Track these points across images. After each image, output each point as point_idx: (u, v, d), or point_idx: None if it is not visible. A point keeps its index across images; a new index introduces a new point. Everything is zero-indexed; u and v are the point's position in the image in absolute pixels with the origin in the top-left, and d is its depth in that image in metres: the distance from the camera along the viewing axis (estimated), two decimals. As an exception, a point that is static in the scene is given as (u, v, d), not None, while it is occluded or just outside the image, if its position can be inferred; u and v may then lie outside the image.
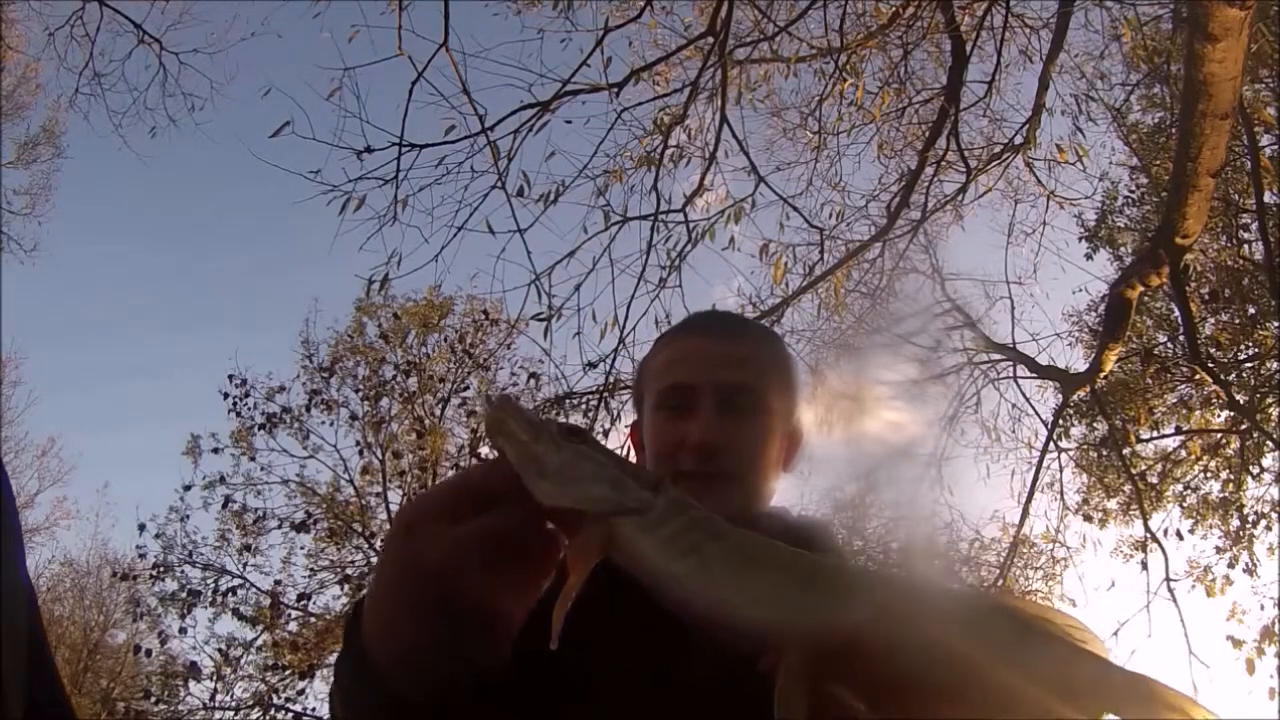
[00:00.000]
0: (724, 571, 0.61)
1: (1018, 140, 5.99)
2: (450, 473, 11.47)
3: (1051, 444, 7.35)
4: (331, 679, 0.76)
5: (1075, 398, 7.42)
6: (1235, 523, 8.50)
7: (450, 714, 0.68)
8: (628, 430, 1.22)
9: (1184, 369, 7.97)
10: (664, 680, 0.86)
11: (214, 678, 10.52)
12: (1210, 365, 7.47)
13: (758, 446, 1.07)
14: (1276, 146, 7.41)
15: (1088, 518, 8.70)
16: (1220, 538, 8.64)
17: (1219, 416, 8.19)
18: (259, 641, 10.87)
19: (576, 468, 0.63)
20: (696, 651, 0.74)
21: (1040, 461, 7.18)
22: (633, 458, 1.12)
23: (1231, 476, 8.33)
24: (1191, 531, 8.59)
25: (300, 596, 11.02)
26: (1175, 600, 6.68)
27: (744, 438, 1.05)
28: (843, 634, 0.57)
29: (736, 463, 1.04)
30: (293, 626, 11.11)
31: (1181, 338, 7.57)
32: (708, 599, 0.60)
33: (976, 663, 0.57)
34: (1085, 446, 8.76)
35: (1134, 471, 7.77)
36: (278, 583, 11.08)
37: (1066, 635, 0.62)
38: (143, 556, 11.00)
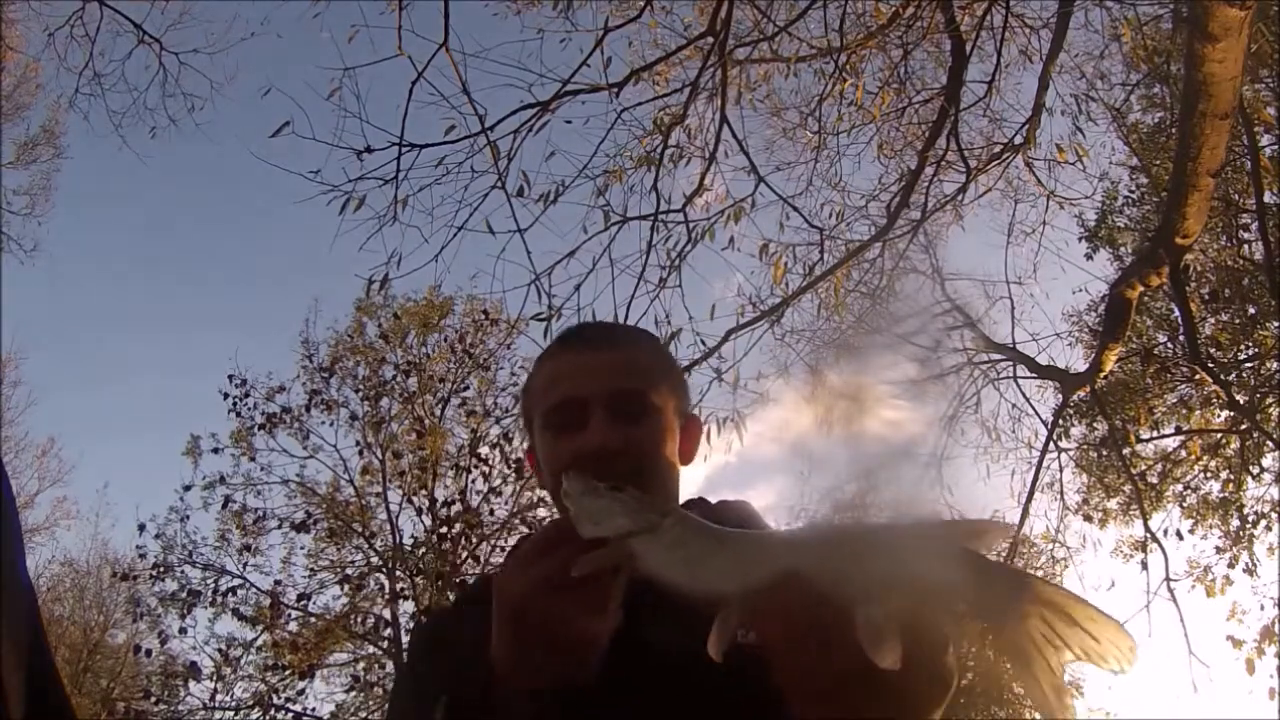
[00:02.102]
0: (699, 558, 0.80)
1: (1018, 140, 5.99)
2: (450, 472, 11.49)
3: (1051, 444, 7.35)
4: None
5: (1075, 398, 7.42)
6: (1235, 523, 8.50)
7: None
8: (525, 456, 1.26)
9: (1184, 369, 7.98)
10: (622, 688, 0.93)
11: (214, 678, 10.53)
12: (1210, 365, 7.47)
13: (656, 446, 1.09)
14: (1276, 146, 7.42)
15: (1088, 518, 8.71)
16: (1220, 538, 8.65)
17: (1219, 416, 8.20)
18: (259, 641, 10.88)
19: (606, 507, 0.84)
20: (654, 661, 0.91)
21: (1040, 461, 7.19)
22: (533, 482, 1.18)
23: (1231, 476, 8.33)
24: (1191, 531, 8.61)
25: (300, 596, 11.03)
26: (1175, 600, 6.69)
27: (640, 440, 1.07)
28: (765, 582, 0.75)
29: (638, 465, 1.06)
30: (293, 626, 11.12)
31: (1181, 338, 7.58)
32: (693, 581, 0.79)
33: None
34: (1085, 446, 8.76)
35: (1134, 471, 7.77)
36: (278, 583, 11.09)
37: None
38: (143, 556, 11.02)
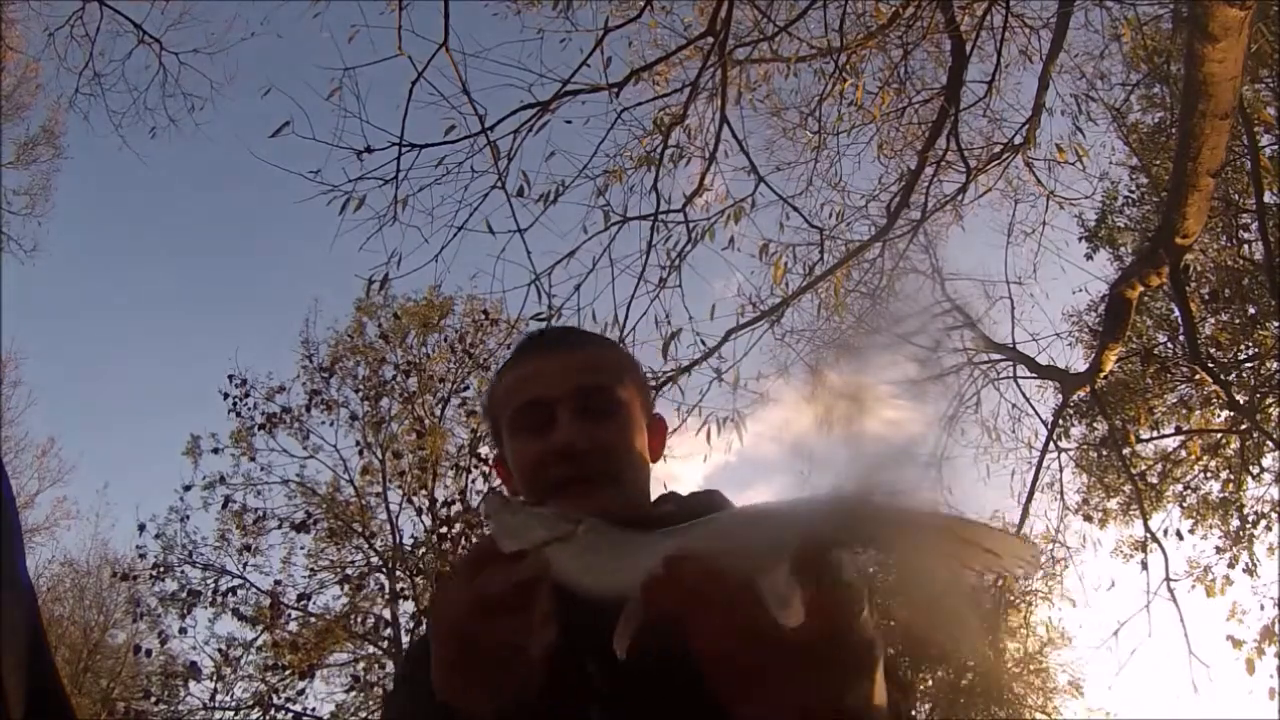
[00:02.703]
0: (605, 560, 0.83)
1: (1018, 140, 5.99)
2: (450, 472, 11.49)
3: (1051, 444, 7.36)
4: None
5: (1075, 398, 7.43)
6: (1235, 523, 8.50)
7: None
8: (492, 464, 1.26)
9: (1184, 369, 7.98)
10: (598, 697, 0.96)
11: (214, 678, 10.53)
12: (1210, 365, 7.47)
13: (624, 443, 1.08)
14: (1276, 146, 7.42)
15: (1088, 518, 8.71)
16: (1220, 538, 8.65)
17: (1219, 416, 8.19)
18: (259, 641, 10.88)
19: (524, 521, 0.86)
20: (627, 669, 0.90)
21: (1040, 461, 7.19)
22: (503, 490, 1.19)
23: (1231, 476, 8.34)
24: (1191, 531, 8.61)
25: (300, 596, 11.03)
26: (1175, 600, 6.69)
27: (608, 437, 1.07)
28: (652, 576, 0.78)
29: (607, 462, 1.06)
30: (293, 626, 11.12)
31: (1181, 338, 7.58)
32: (598, 584, 0.82)
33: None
34: (1085, 446, 8.76)
35: (1134, 471, 7.77)
36: (278, 583, 11.09)
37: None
38: (143, 556, 11.02)
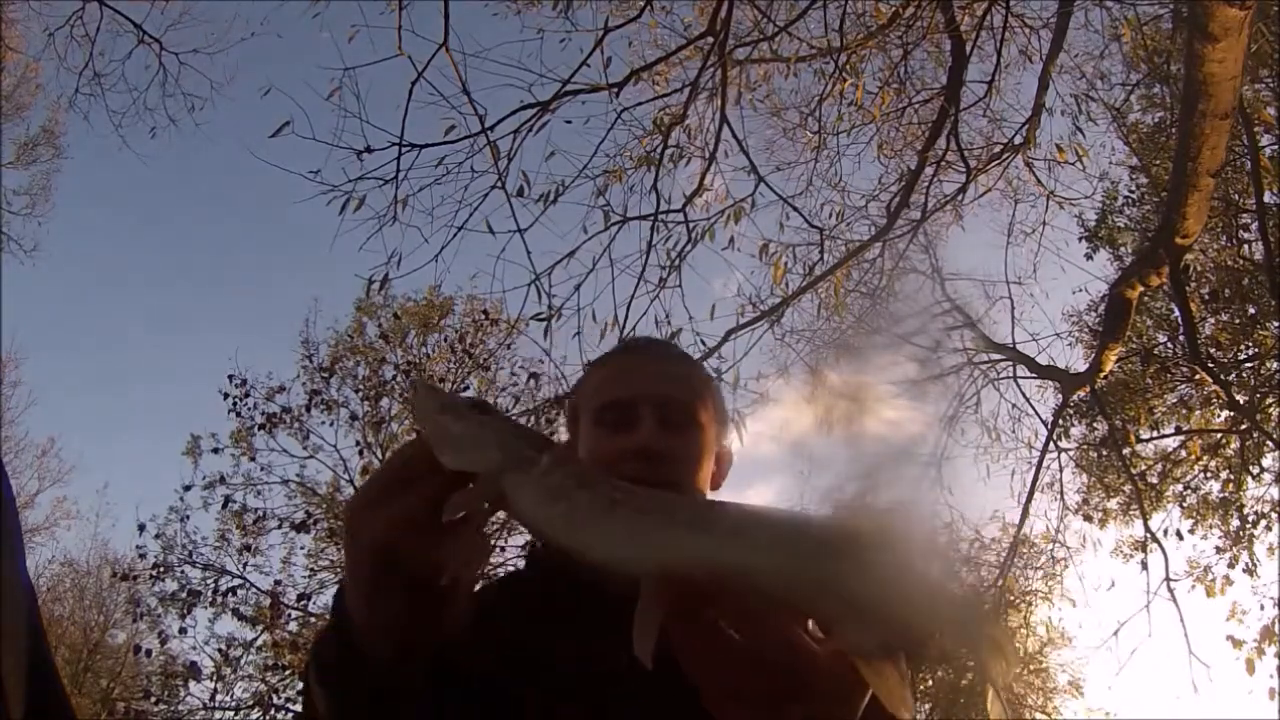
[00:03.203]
0: (588, 516, 0.67)
1: (1018, 140, 5.99)
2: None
3: (1051, 444, 7.35)
4: (310, 655, 0.82)
5: (1075, 398, 7.42)
6: (1235, 523, 8.50)
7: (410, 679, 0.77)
8: None
9: (1184, 369, 7.98)
10: (590, 690, 0.92)
11: (214, 678, 10.52)
12: (1210, 365, 7.47)
13: (694, 459, 1.11)
14: (1276, 146, 7.41)
15: (1088, 518, 8.70)
16: (1220, 538, 8.64)
17: (1219, 416, 8.19)
18: (259, 641, 10.87)
19: (474, 435, 0.70)
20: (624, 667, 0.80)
21: (1040, 461, 7.19)
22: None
23: (1231, 476, 8.33)
24: (1191, 531, 8.60)
25: (300, 596, 11.01)
26: (1175, 600, 6.69)
27: (683, 449, 1.10)
28: (692, 564, 0.62)
29: (677, 472, 1.08)
30: (293, 626, 11.10)
31: (1181, 338, 7.58)
32: (575, 542, 0.66)
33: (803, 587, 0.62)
34: (1085, 446, 8.76)
35: (1134, 471, 7.77)
36: (278, 583, 11.07)
37: (904, 557, 0.63)
38: (143, 557, 10.99)
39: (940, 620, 0.61)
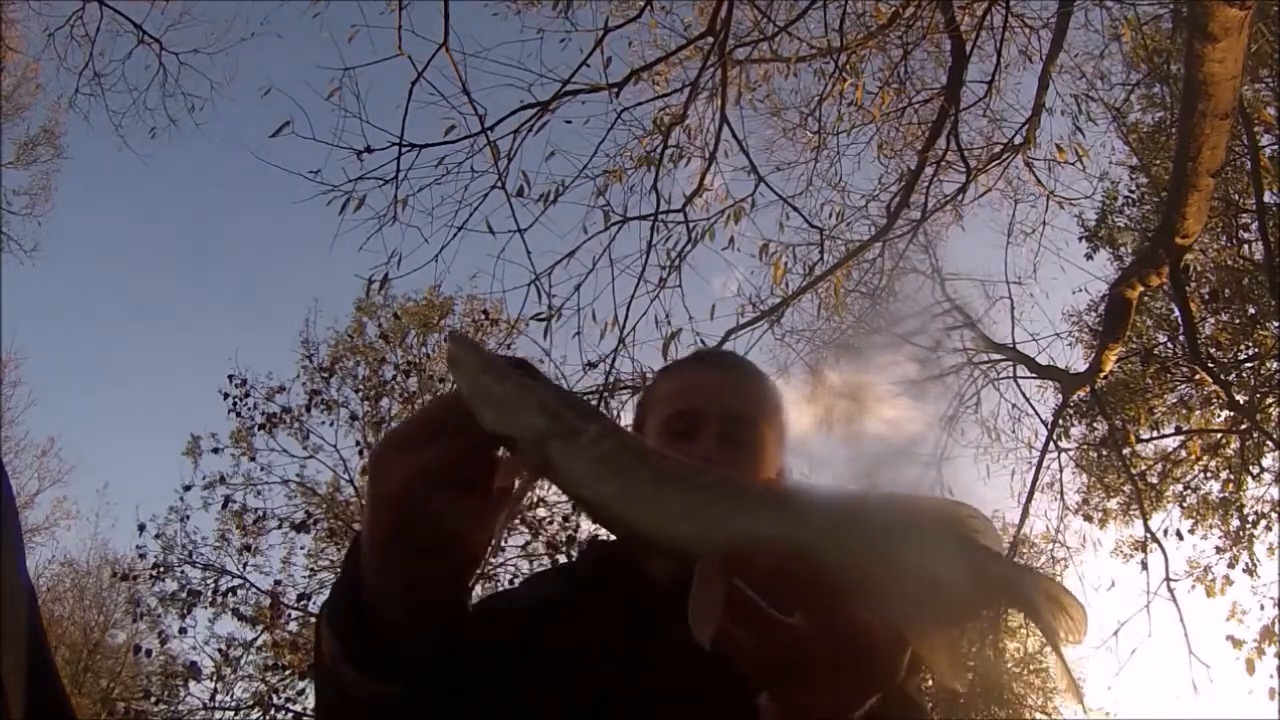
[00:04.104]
0: (647, 491, 0.64)
1: (1018, 140, 5.99)
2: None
3: (1051, 444, 7.35)
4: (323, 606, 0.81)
5: (1075, 398, 7.42)
6: (1235, 523, 8.50)
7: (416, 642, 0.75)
8: None
9: (1184, 369, 7.97)
10: (633, 684, 0.93)
11: (214, 678, 10.52)
12: (1210, 365, 7.47)
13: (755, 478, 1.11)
14: (1276, 146, 7.41)
15: (1088, 518, 8.70)
16: (1220, 538, 8.64)
17: (1219, 416, 8.19)
18: (259, 641, 10.87)
19: (518, 397, 0.67)
20: (666, 660, 0.83)
21: (1040, 461, 7.18)
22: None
23: (1231, 476, 8.33)
24: (1191, 531, 8.60)
25: (300, 596, 11.01)
26: (1175, 600, 6.69)
27: (743, 468, 1.10)
28: (756, 543, 0.61)
29: None
30: (293, 626, 11.10)
31: (1181, 338, 7.58)
32: (631, 517, 0.64)
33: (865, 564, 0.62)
34: (1085, 446, 8.76)
35: (1134, 471, 7.76)
36: (278, 583, 11.07)
37: (963, 533, 0.64)
38: (143, 557, 10.99)
39: (1002, 590, 0.62)
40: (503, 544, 8.46)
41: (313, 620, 10.99)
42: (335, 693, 0.78)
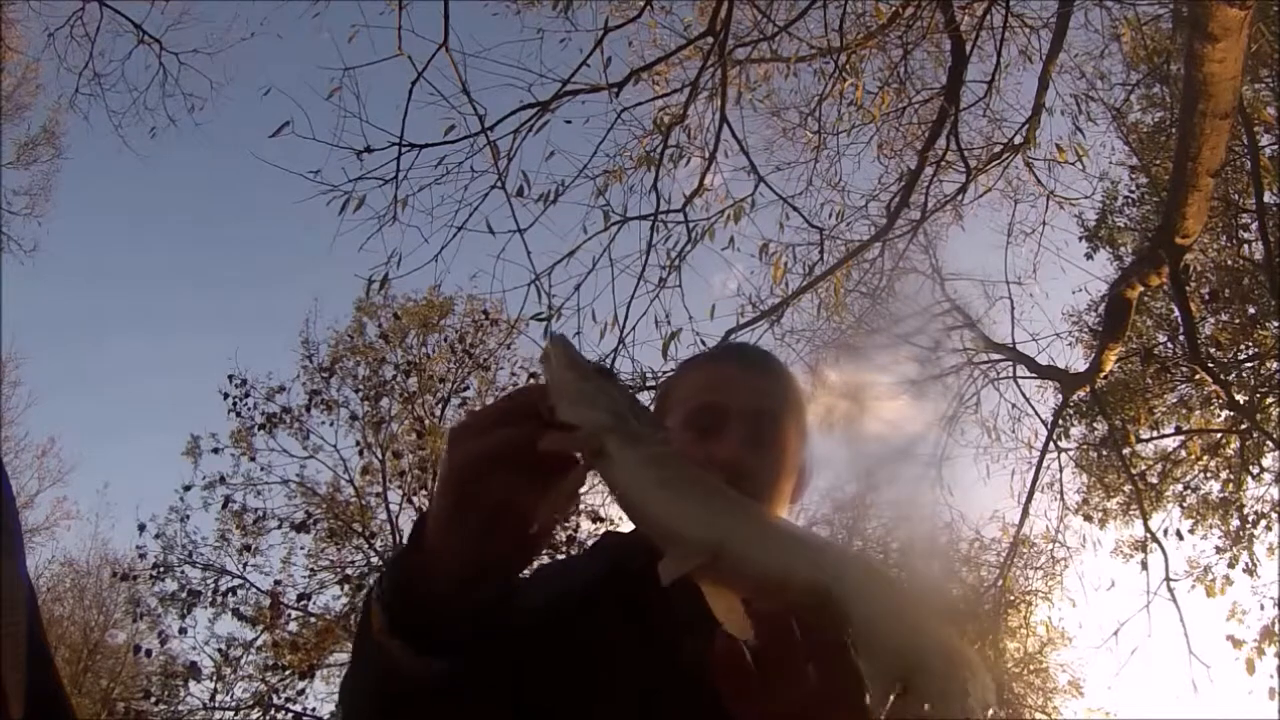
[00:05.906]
0: (693, 506, 0.67)
1: (1018, 140, 5.99)
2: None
3: (1051, 444, 7.35)
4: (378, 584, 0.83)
5: (1075, 398, 7.42)
6: (1235, 523, 8.50)
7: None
8: None
9: (1184, 369, 7.97)
10: (653, 698, 0.93)
11: (214, 678, 10.53)
12: (1210, 365, 7.47)
13: (776, 476, 1.12)
14: (1276, 146, 7.41)
15: (1088, 518, 8.70)
16: (1220, 538, 8.64)
17: (1219, 416, 8.19)
18: (259, 641, 10.88)
19: (591, 395, 0.73)
20: (686, 675, 0.84)
21: (1040, 461, 7.19)
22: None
23: (1231, 476, 8.33)
24: (1191, 531, 8.59)
25: (300, 596, 11.03)
26: (1175, 600, 6.69)
27: (766, 466, 1.10)
28: (791, 583, 0.63)
29: (759, 489, 1.08)
30: (293, 626, 11.12)
31: (1181, 338, 7.57)
32: (672, 527, 0.66)
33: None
34: (1085, 446, 8.75)
35: (1134, 471, 7.77)
36: (278, 583, 11.08)
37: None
38: (143, 556, 11.01)
39: (922, 665, 0.60)
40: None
41: (312, 620, 11.04)
42: (376, 671, 0.80)
